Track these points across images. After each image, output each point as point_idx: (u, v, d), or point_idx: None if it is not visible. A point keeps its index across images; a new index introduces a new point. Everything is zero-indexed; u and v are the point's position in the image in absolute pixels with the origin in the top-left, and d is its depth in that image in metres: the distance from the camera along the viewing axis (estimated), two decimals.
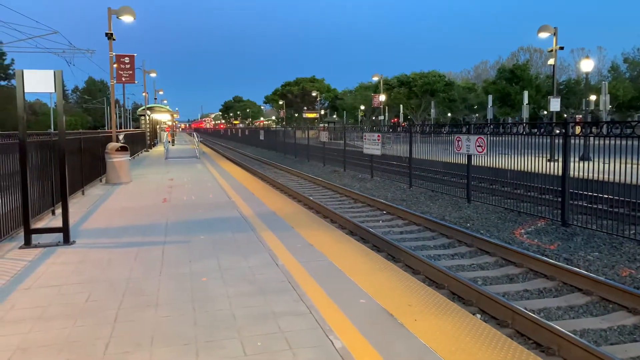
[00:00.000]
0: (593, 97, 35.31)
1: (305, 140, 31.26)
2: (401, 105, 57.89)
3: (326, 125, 46.21)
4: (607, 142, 9.26)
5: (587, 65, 24.64)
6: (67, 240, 6.45)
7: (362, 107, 70.64)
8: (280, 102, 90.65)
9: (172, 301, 4.33)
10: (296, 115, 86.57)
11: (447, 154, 15.12)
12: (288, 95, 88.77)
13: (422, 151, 16.80)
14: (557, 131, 10.70)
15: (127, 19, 15.87)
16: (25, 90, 6.20)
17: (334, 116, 78.18)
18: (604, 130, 9.37)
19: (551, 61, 23.49)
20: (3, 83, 55.69)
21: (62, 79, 6.34)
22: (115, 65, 17.97)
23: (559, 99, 23.49)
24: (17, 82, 6.18)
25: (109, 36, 16.33)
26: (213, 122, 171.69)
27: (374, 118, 66.26)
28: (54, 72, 6.24)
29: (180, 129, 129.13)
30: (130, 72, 19.58)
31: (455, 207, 12.69)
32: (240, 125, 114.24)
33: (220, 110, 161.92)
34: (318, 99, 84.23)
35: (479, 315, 5.72)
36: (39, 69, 6.21)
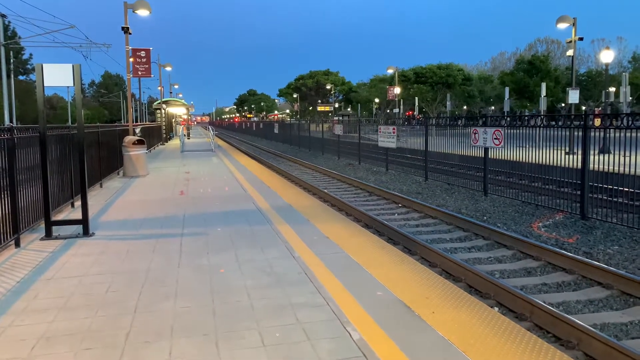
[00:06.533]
0: (613, 89, 34.67)
1: (319, 133, 31.21)
2: (416, 98, 57.49)
3: (340, 118, 46.06)
4: (627, 134, 9.10)
5: (607, 56, 24.19)
6: (86, 232, 6.55)
7: (377, 100, 70.31)
8: (295, 96, 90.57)
9: (191, 292, 4.37)
10: (310, 108, 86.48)
11: (463, 146, 14.98)
12: (302, 89, 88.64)
13: (438, 144, 16.66)
14: (577, 123, 10.53)
15: (142, 12, 15.97)
16: (45, 84, 6.28)
17: (349, 109, 77.95)
18: (625, 122, 9.19)
19: (570, 52, 23.09)
20: (22, 77, 56.50)
21: (80, 73, 6.41)
22: (131, 59, 18.13)
23: (578, 91, 23.11)
24: (37, 76, 6.26)
25: (125, 30, 16.47)
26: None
27: (388, 111, 65.92)
28: (73, 66, 6.32)
29: (196, 123, 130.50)
30: (146, 66, 19.77)
31: (472, 200, 12.59)
32: (255, 118, 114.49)
33: (234, 104, 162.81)
34: (332, 92, 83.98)
35: (496, 309, 5.69)
36: (56, 63, 6.29)
